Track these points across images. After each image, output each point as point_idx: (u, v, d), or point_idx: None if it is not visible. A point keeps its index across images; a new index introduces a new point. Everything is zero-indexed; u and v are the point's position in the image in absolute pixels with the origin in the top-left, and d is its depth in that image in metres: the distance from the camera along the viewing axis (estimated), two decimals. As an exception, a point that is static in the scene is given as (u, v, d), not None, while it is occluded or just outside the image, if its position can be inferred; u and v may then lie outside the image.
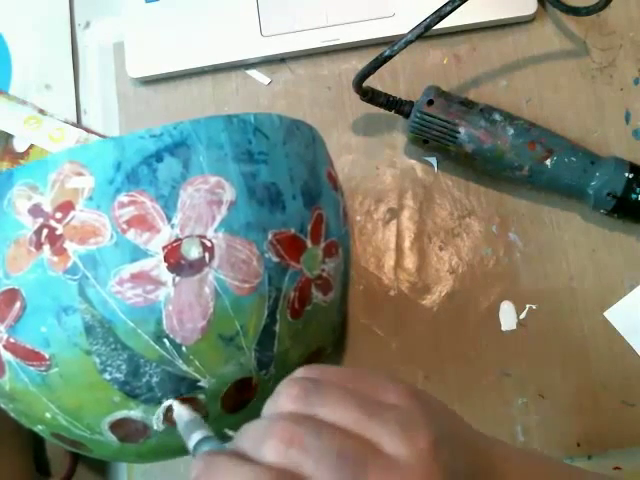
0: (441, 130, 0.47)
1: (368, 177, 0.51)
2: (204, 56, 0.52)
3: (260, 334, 0.32)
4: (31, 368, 0.31)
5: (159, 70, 0.52)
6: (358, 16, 0.51)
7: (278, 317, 0.32)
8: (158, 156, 0.31)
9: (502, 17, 0.51)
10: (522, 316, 0.48)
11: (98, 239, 0.30)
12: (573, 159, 0.46)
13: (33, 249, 0.30)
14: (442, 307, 0.48)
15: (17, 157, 0.52)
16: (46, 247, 0.30)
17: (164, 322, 0.30)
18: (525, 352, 0.47)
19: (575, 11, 0.49)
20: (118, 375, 0.31)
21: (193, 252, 0.30)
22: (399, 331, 0.48)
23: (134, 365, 0.31)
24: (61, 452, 0.47)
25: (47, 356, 0.31)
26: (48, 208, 0.30)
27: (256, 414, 0.30)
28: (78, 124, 0.53)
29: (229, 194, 0.31)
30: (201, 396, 0.32)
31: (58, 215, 0.30)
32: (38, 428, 0.34)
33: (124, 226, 0.30)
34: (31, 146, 0.52)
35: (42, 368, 0.31)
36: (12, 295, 0.31)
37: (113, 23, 0.54)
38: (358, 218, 0.50)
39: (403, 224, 0.50)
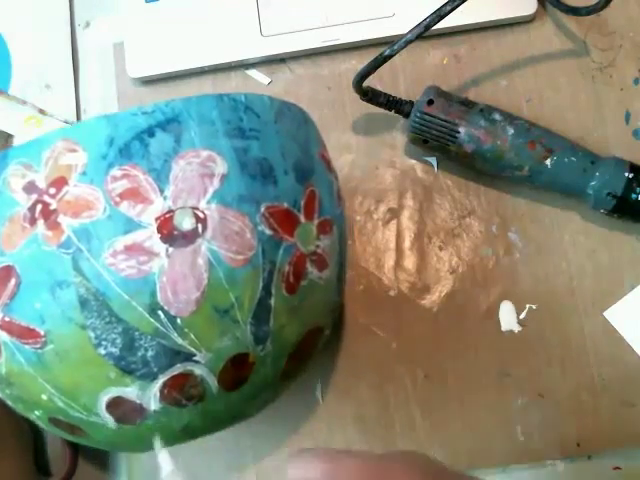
0: (441, 130, 0.47)
1: (368, 177, 0.51)
2: (204, 56, 0.52)
3: (255, 307, 0.32)
4: (27, 347, 0.31)
5: (159, 70, 0.52)
6: (358, 16, 0.51)
7: (273, 291, 0.33)
8: (150, 131, 0.31)
9: (502, 17, 0.51)
10: (522, 316, 0.48)
11: (92, 212, 0.30)
12: (573, 159, 0.46)
13: (27, 225, 0.31)
14: (442, 307, 0.48)
15: (17, 157, 0.52)
16: (40, 222, 0.31)
17: (158, 294, 0.31)
18: (525, 352, 0.47)
19: (575, 11, 0.49)
20: (113, 349, 0.31)
21: (186, 223, 0.31)
22: (399, 331, 0.48)
23: (129, 338, 0.31)
24: (61, 452, 0.47)
25: (42, 332, 0.31)
26: (42, 184, 0.31)
27: (253, 392, 0.33)
28: (78, 124, 0.53)
29: (221, 167, 0.32)
30: (197, 371, 0.32)
31: (52, 191, 0.31)
32: (35, 415, 0.34)
33: (117, 199, 0.30)
34: (31, 146, 0.52)
35: (37, 346, 0.31)
36: (7, 272, 0.31)
37: (113, 23, 0.54)
38: (358, 218, 0.50)
39: (403, 224, 0.50)
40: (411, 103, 0.48)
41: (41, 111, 0.53)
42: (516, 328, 0.47)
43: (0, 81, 0.54)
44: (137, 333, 0.31)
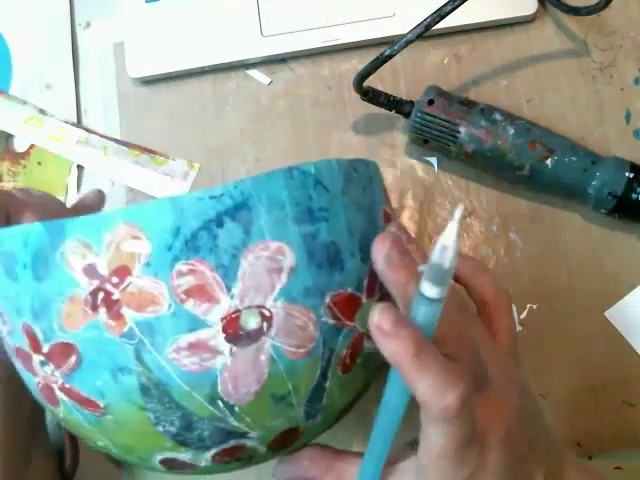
0: (441, 130, 0.47)
1: (368, 177, 0.51)
2: (204, 56, 0.52)
3: (311, 392, 0.32)
4: (86, 411, 0.32)
5: (159, 70, 0.52)
6: (358, 16, 0.51)
7: (329, 375, 0.32)
8: (219, 221, 0.29)
9: (502, 17, 0.51)
10: (522, 316, 0.48)
11: (156, 308, 0.29)
12: (573, 159, 0.46)
13: (89, 310, 0.30)
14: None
15: (17, 157, 0.52)
16: (102, 310, 0.29)
17: (219, 386, 0.30)
18: (525, 352, 0.47)
19: (575, 11, 0.49)
20: (171, 428, 0.31)
21: (252, 323, 0.30)
22: (399, 331, 0.48)
23: (187, 421, 0.31)
24: (64, 443, 0.47)
25: (102, 405, 0.31)
26: (104, 271, 0.29)
27: (298, 448, 0.34)
28: (78, 124, 0.53)
29: (289, 260, 0.30)
30: (249, 444, 0.32)
31: (114, 280, 0.29)
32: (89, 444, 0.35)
33: (183, 296, 0.29)
34: (31, 146, 0.52)
35: (97, 414, 0.31)
36: (68, 348, 0.30)
37: (113, 23, 0.54)
38: (358, 218, 0.50)
39: (404, 224, 0.50)
40: (412, 103, 0.48)
41: (41, 111, 0.53)
42: (517, 328, 0.47)
43: (0, 81, 0.54)
44: (195, 417, 0.31)
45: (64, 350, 0.30)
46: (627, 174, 0.45)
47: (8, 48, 0.54)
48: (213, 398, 0.30)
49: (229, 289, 0.29)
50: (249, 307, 0.29)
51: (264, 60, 0.52)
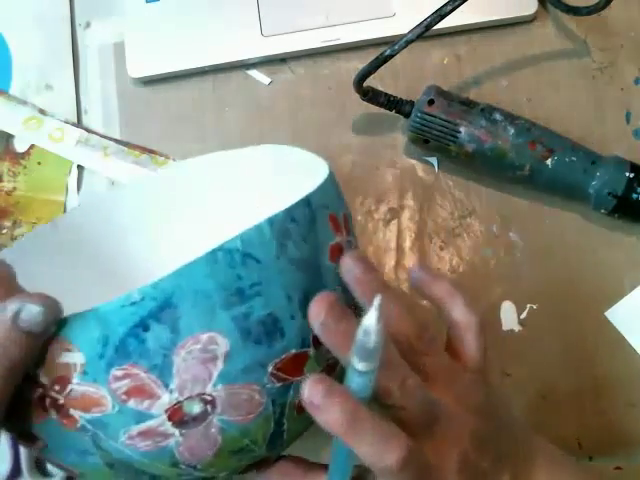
0: (442, 130, 0.47)
1: (368, 177, 0.51)
2: (204, 56, 0.52)
3: (269, 438, 0.33)
4: (64, 470, 0.34)
5: (159, 70, 0.52)
6: (359, 16, 0.51)
7: (285, 420, 0.33)
8: (144, 325, 0.29)
9: (502, 17, 0.51)
10: (523, 316, 0.48)
11: (101, 408, 0.30)
12: (574, 159, 0.46)
13: (42, 410, 0.31)
14: (443, 307, 0.48)
15: (18, 157, 0.52)
16: (53, 411, 0.31)
17: (177, 457, 0.31)
18: (526, 352, 0.47)
19: (575, 11, 0.49)
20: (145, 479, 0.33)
21: (195, 409, 0.30)
22: (400, 331, 0.48)
23: (152, 476, 0.33)
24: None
25: (77, 472, 0.33)
26: (45, 380, 0.30)
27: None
28: (78, 124, 0.53)
29: (223, 347, 0.30)
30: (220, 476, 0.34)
31: (57, 387, 0.30)
32: None
33: (124, 397, 0.30)
34: (32, 146, 0.52)
35: (74, 473, 0.34)
36: (34, 437, 0.32)
37: (113, 23, 0.54)
38: (359, 218, 0.50)
39: (404, 224, 0.50)
40: (412, 103, 0.48)
41: (41, 111, 0.53)
42: (517, 328, 0.47)
43: (0, 81, 0.54)
44: (163, 477, 0.33)
45: (31, 438, 0.32)
46: (627, 174, 0.45)
47: (8, 48, 0.54)
48: (175, 464, 0.32)
49: (167, 385, 0.30)
50: (190, 397, 0.30)
51: (264, 60, 0.52)
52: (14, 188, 0.52)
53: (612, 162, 0.46)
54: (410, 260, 0.49)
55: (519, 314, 0.48)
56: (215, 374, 0.30)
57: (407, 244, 0.49)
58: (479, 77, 0.52)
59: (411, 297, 0.48)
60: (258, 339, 0.30)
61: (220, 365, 0.30)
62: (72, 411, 0.30)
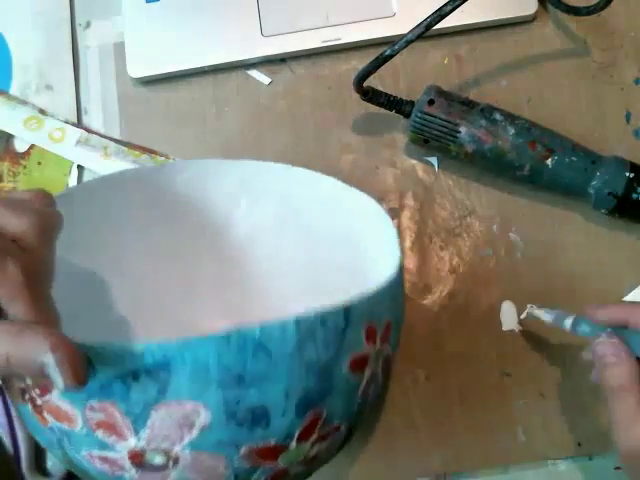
0: (442, 130, 0.47)
1: (368, 177, 0.51)
2: (204, 56, 0.52)
3: None
4: None
5: (159, 70, 0.52)
6: (359, 16, 0.51)
7: None
8: (134, 375, 0.29)
9: (502, 17, 0.51)
10: (523, 316, 0.47)
11: (71, 424, 0.31)
12: (574, 159, 0.46)
13: (21, 398, 0.32)
14: (443, 307, 0.48)
15: (18, 157, 0.52)
16: (30, 405, 0.32)
17: None
18: (526, 352, 0.47)
19: (576, 11, 0.49)
20: None
21: (157, 460, 0.30)
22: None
23: None
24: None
25: None
26: (29, 381, 0.31)
27: None
28: (78, 124, 0.53)
29: (203, 419, 0.30)
30: None
31: (37, 391, 0.31)
32: None
33: (94, 425, 0.30)
34: (32, 146, 0.52)
35: None
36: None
37: (113, 23, 0.54)
38: (359, 218, 0.50)
39: (404, 224, 0.50)
40: (412, 103, 0.48)
41: (41, 111, 0.53)
42: (517, 328, 0.47)
43: (0, 81, 0.54)
44: None
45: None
46: (627, 174, 0.45)
47: (8, 48, 0.54)
48: None
49: (137, 432, 0.30)
50: (155, 449, 0.30)
51: (264, 60, 0.52)
52: (14, 188, 0.52)
53: (612, 162, 0.46)
54: (410, 260, 0.49)
55: (519, 314, 0.48)
56: (187, 439, 0.30)
57: (407, 244, 0.49)
58: (479, 77, 0.52)
59: (411, 297, 0.48)
60: (241, 423, 0.30)
61: (195, 433, 0.30)
62: (46, 414, 0.31)
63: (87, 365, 0.27)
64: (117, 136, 0.52)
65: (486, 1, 0.51)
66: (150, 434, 0.30)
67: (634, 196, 0.45)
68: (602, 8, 0.47)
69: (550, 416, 0.46)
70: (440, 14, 0.44)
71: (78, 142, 0.52)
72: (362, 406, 0.35)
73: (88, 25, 0.55)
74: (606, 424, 0.46)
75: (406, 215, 0.50)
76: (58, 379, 0.26)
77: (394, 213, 0.50)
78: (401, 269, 0.36)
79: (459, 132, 0.46)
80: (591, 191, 0.46)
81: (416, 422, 0.47)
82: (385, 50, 0.45)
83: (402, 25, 0.49)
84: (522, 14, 0.51)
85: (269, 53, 0.52)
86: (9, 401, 0.38)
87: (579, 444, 0.46)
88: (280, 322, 0.30)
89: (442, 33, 0.51)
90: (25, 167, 0.52)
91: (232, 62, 0.52)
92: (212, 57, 0.52)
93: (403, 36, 0.45)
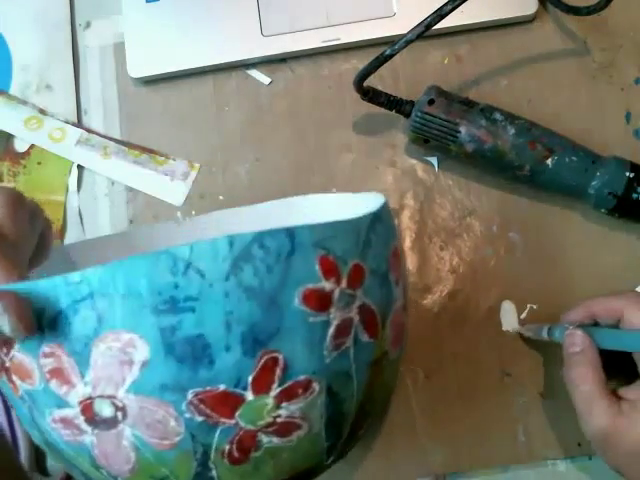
0: (442, 130, 0.47)
1: (368, 177, 0.51)
2: (204, 56, 0.52)
3: (194, 478, 0.31)
4: None
5: (159, 70, 0.52)
6: (359, 16, 0.51)
7: (212, 466, 0.31)
8: (74, 308, 0.29)
9: (502, 17, 0.51)
10: (522, 316, 0.48)
11: (31, 381, 0.31)
12: (574, 159, 0.46)
13: (1, 369, 0.32)
14: (443, 307, 0.48)
15: (18, 157, 0.52)
16: (3, 373, 0.32)
17: (96, 460, 0.31)
18: (525, 352, 0.47)
19: (576, 11, 0.49)
20: (81, 479, 0.33)
21: (105, 411, 0.30)
22: (400, 331, 0.48)
23: (87, 478, 0.33)
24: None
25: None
26: None
27: None
28: (78, 124, 0.53)
29: (142, 353, 0.28)
30: None
31: (4, 350, 0.31)
32: None
33: (47, 375, 0.30)
34: (32, 146, 0.52)
35: None
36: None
37: (113, 23, 0.54)
38: (359, 218, 0.50)
39: (404, 224, 0.50)
40: (412, 103, 0.48)
41: (41, 111, 0.53)
42: (517, 328, 0.47)
43: (0, 81, 0.54)
44: (91, 477, 0.32)
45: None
46: (627, 174, 0.45)
47: (8, 48, 0.54)
48: (97, 466, 0.31)
49: (82, 375, 0.29)
50: (101, 396, 0.29)
51: (264, 60, 0.52)
52: (14, 188, 0.52)
53: (612, 162, 0.46)
54: (410, 260, 0.49)
55: (519, 314, 0.48)
56: (129, 379, 0.29)
57: (407, 244, 0.49)
58: (479, 77, 0.52)
59: (411, 297, 0.48)
60: (181, 358, 0.29)
61: (136, 371, 0.29)
62: (14, 377, 0.31)
63: (30, 308, 0.28)
64: (117, 136, 0.53)
65: (486, 1, 0.51)
66: (94, 376, 0.29)
67: (634, 196, 0.45)
68: (602, 8, 0.47)
69: (550, 416, 0.46)
70: (440, 14, 0.44)
71: (78, 142, 0.52)
72: (340, 363, 0.32)
73: (88, 25, 0.55)
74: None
75: (406, 215, 0.50)
76: (5, 327, 0.27)
77: (394, 213, 0.50)
78: (380, 217, 0.34)
79: (459, 132, 0.46)
80: (591, 191, 0.46)
81: (416, 422, 0.47)
82: (385, 50, 0.45)
83: (402, 25, 0.49)
84: (522, 14, 0.51)
85: (269, 53, 0.52)
86: (9, 401, 0.38)
87: (579, 444, 0.46)
88: (212, 240, 0.28)
89: (442, 33, 0.51)
90: (25, 167, 0.52)
91: (232, 62, 0.52)
92: (212, 57, 0.52)
93: (403, 36, 0.45)
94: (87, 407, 0.30)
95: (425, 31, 0.45)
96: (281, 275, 0.29)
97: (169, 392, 0.29)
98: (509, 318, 0.48)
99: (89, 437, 0.30)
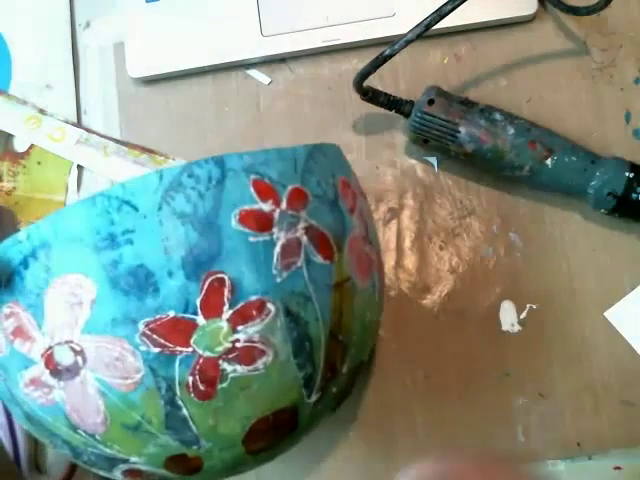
0: (441, 130, 0.47)
1: (368, 177, 0.51)
2: (204, 56, 0.52)
3: (166, 421, 0.31)
4: None
5: (159, 70, 0.52)
6: (359, 16, 0.51)
7: (181, 403, 0.31)
8: (25, 263, 0.30)
9: (502, 17, 0.51)
10: (522, 316, 0.48)
11: (0, 349, 0.31)
12: (573, 159, 0.46)
13: None
14: (442, 307, 0.48)
15: (17, 157, 0.52)
16: None
17: (70, 418, 0.31)
18: (525, 352, 0.47)
19: (575, 11, 0.49)
20: (67, 452, 0.33)
21: (65, 358, 0.30)
22: (399, 331, 0.48)
23: (70, 447, 0.33)
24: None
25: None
26: None
27: (213, 475, 0.33)
28: (78, 124, 0.53)
29: (89, 292, 0.29)
30: (143, 467, 0.33)
31: None
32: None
33: (11, 337, 0.31)
34: (31, 146, 0.52)
35: None
36: None
37: (113, 23, 0.54)
38: (358, 218, 0.50)
39: (403, 224, 0.50)
40: (411, 103, 0.48)
41: (41, 111, 0.53)
42: (516, 328, 0.47)
43: (0, 81, 0.54)
44: (73, 444, 0.32)
45: None
46: (627, 174, 0.45)
47: (8, 48, 0.54)
48: (73, 427, 0.31)
49: (40, 327, 0.30)
50: (59, 343, 0.30)
51: (264, 60, 0.52)
52: (14, 188, 0.52)
53: (612, 162, 0.46)
54: (410, 260, 0.49)
55: (519, 314, 0.48)
56: (82, 320, 0.30)
57: (407, 244, 0.49)
58: (479, 77, 0.52)
59: (410, 297, 0.48)
60: (127, 290, 0.29)
61: (87, 311, 0.29)
62: None
63: None
64: (117, 136, 0.53)
65: (486, 1, 0.51)
66: (50, 325, 0.30)
67: (634, 196, 0.45)
68: (602, 8, 0.47)
69: (549, 416, 0.46)
70: (440, 14, 0.44)
71: (78, 142, 0.52)
72: (293, 283, 0.32)
73: (88, 25, 0.55)
74: (606, 424, 0.46)
75: (406, 215, 0.50)
76: None
77: (394, 213, 0.50)
78: (322, 151, 0.35)
79: (459, 132, 0.46)
80: (591, 191, 0.46)
81: (416, 422, 0.47)
82: (385, 50, 0.45)
83: (402, 25, 0.49)
84: (522, 14, 0.51)
85: (269, 53, 0.52)
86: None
87: (578, 444, 0.46)
88: (142, 175, 0.30)
89: (442, 33, 0.51)
90: (25, 167, 0.52)
91: (232, 62, 0.52)
92: (212, 57, 0.52)
93: (403, 36, 0.45)
94: (49, 358, 0.30)
95: (425, 31, 0.45)
96: (214, 199, 0.30)
97: (120, 326, 0.29)
98: (509, 318, 0.48)
99: (58, 392, 0.31)
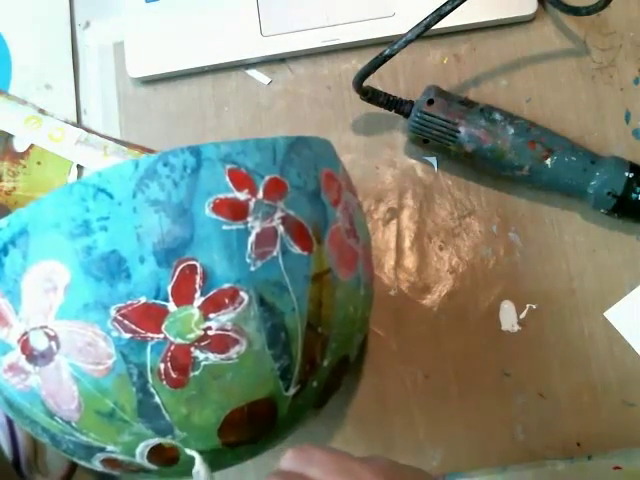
0: (441, 130, 0.47)
1: (368, 177, 0.51)
2: (204, 56, 0.52)
3: (139, 408, 0.31)
4: None
5: (159, 70, 0.52)
6: (358, 16, 0.51)
7: (153, 390, 0.31)
8: (4, 250, 0.31)
9: (502, 17, 0.51)
10: (522, 316, 0.48)
11: None
12: (573, 158, 0.46)
13: None
14: (442, 307, 0.48)
15: (17, 157, 0.52)
16: None
17: (46, 404, 0.32)
18: (525, 352, 0.47)
19: (575, 11, 0.49)
20: (46, 440, 0.33)
21: (40, 343, 0.31)
22: (399, 331, 0.48)
23: (49, 435, 0.33)
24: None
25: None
26: None
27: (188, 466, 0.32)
28: (78, 124, 0.53)
29: (64, 277, 0.30)
30: (120, 457, 0.33)
31: None
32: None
33: None
34: (31, 146, 0.52)
35: None
36: None
37: (113, 23, 0.54)
38: (358, 218, 0.50)
39: (403, 224, 0.50)
40: (411, 103, 0.48)
41: (41, 111, 0.53)
42: (516, 328, 0.47)
43: (0, 81, 0.54)
44: (51, 432, 0.33)
45: None
46: (627, 174, 0.45)
47: (8, 48, 0.54)
48: (49, 414, 0.32)
49: (17, 312, 0.31)
50: (34, 328, 0.30)
51: (264, 60, 0.52)
52: (14, 188, 0.52)
53: (612, 162, 0.46)
54: (410, 260, 0.49)
55: (519, 314, 0.48)
56: (55, 305, 0.30)
57: (406, 244, 0.49)
58: (478, 77, 0.52)
59: (410, 297, 0.48)
60: (99, 276, 0.30)
61: (60, 296, 0.30)
62: None
63: None
64: (117, 136, 0.53)
65: (486, 1, 0.51)
66: (26, 310, 0.30)
67: (633, 196, 0.45)
68: (601, 8, 0.47)
69: (549, 416, 0.46)
70: (439, 14, 0.44)
71: (78, 142, 0.52)
72: (268, 272, 0.32)
73: (88, 25, 0.55)
74: (606, 424, 0.46)
75: (405, 215, 0.50)
76: None
77: (393, 213, 0.50)
78: (306, 143, 0.35)
79: (458, 132, 0.46)
80: (590, 191, 0.46)
81: (416, 422, 0.47)
82: (384, 50, 0.45)
83: (402, 25, 0.49)
84: (522, 14, 0.51)
85: (269, 53, 0.52)
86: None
87: (578, 444, 0.46)
88: (118, 164, 0.31)
89: (442, 33, 0.51)
90: (25, 167, 0.52)
91: (232, 62, 0.52)
92: (212, 57, 0.52)
93: (402, 36, 0.45)
94: (25, 344, 0.31)
95: (425, 31, 0.45)
96: (188, 188, 0.31)
97: (92, 311, 0.30)
98: (508, 318, 0.48)
99: (34, 377, 0.31)
